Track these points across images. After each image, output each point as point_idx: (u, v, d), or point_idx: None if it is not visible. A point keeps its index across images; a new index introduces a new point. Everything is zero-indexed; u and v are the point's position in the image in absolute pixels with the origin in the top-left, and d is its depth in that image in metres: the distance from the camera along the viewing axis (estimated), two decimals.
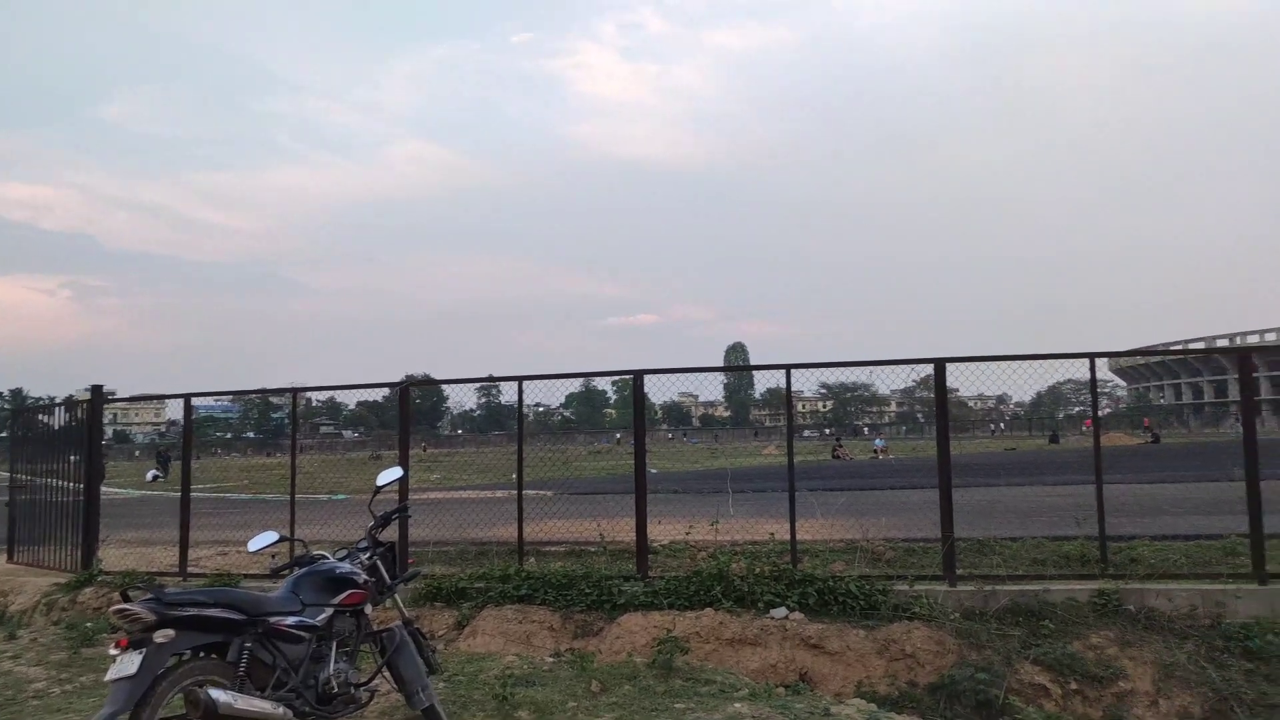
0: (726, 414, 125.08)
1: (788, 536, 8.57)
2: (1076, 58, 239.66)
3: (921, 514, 11.61)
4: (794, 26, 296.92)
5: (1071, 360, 8.70)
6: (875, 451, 41.53)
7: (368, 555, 4.64)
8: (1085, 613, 7.33)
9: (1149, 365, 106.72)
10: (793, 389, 8.68)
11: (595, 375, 9.15)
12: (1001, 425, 74.56)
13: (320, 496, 19.67)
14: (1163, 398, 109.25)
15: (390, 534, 10.38)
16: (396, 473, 5.08)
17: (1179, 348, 78.09)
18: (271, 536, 4.59)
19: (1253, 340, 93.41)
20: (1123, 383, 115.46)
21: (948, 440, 8.32)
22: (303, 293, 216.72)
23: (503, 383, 10.12)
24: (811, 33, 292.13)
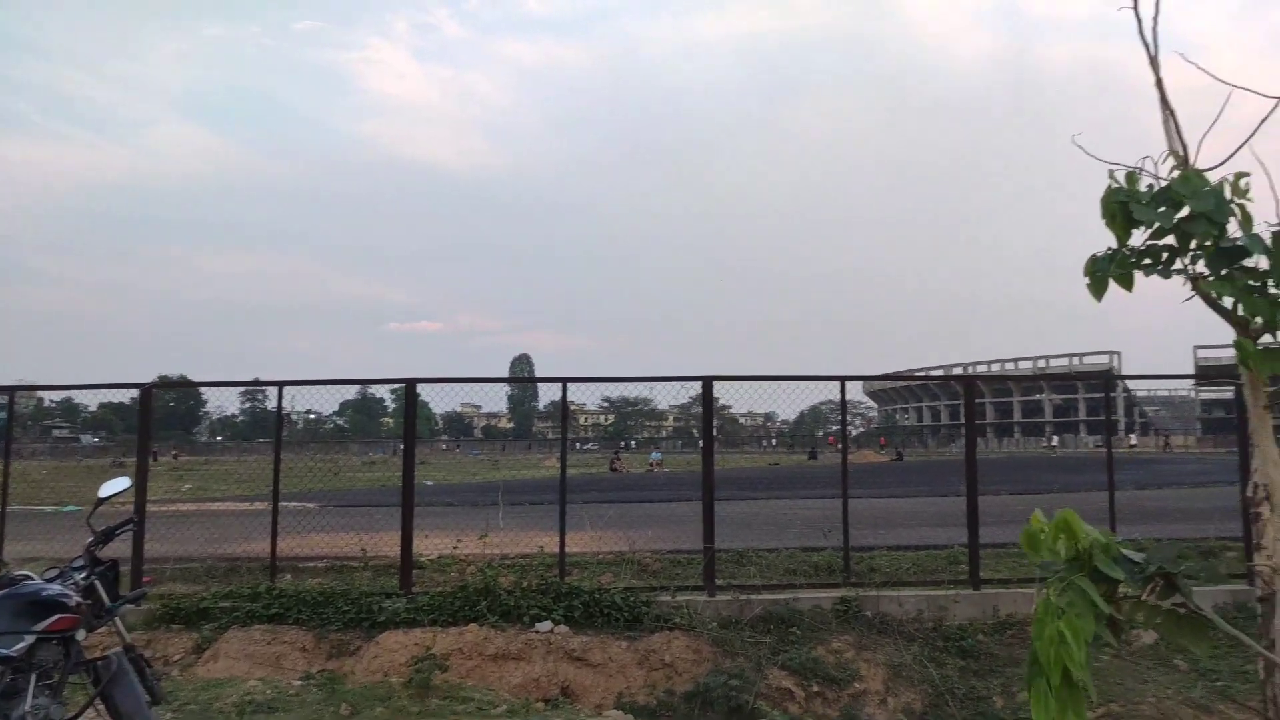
0: (510, 425, 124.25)
1: (558, 549, 8.58)
2: (838, 102, 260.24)
3: (689, 526, 12.03)
4: (587, 46, 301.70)
5: (827, 382, 9.36)
6: (651, 465, 42.73)
7: (84, 575, 4.13)
8: (829, 619, 7.87)
9: (897, 389, 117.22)
10: (576, 402, 8.76)
11: (365, 382, 8.87)
12: (772, 441, 78.96)
13: (46, 508, 17.55)
14: (907, 419, 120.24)
15: (123, 550, 9.46)
16: (123, 483, 4.58)
17: (919, 373, 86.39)
18: None
19: (981, 369, 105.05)
20: (874, 404, 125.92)
21: (713, 455, 8.68)
22: (43, 281, 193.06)
23: (267, 387, 9.42)
24: (603, 54, 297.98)
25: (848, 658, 7.26)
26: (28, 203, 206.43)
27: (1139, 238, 3.35)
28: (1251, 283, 3.09)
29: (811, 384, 9.32)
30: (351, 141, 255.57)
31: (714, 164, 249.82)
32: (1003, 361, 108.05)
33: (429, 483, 30.28)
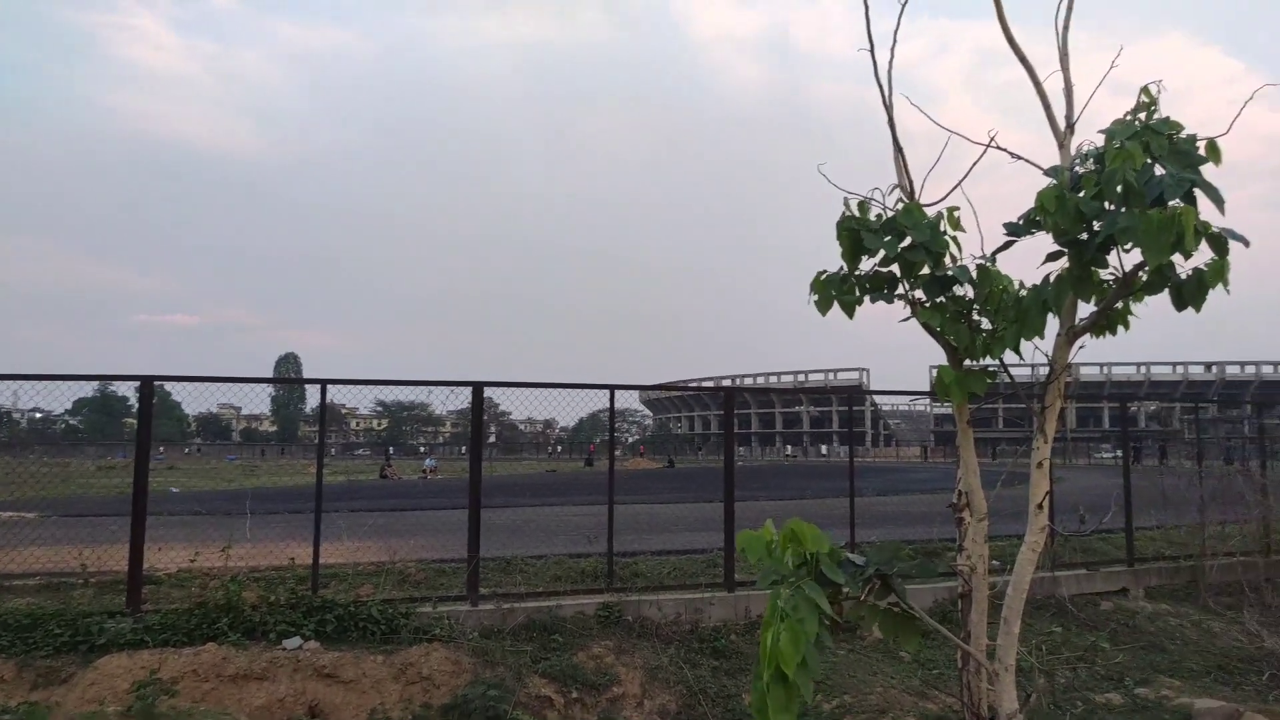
0: (273, 429, 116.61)
1: (311, 560, 8.13)
2: (619, 119, 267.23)
3: (458, 534, 11.75)
4: (369, 36, 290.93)
5: (598, 390, 9.49)
6: (425, 471, 41.61)
7: None
8: (591, 625, 7.97)
9: (671, 399, 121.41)
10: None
11: (90, 379, 7.85)
12: (558, 448, 79.28)
13: None
14: (680, 428, 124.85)
15: None
16: None
17: (688, 383, 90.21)
18: None
19: (747, 382, 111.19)
20: (650, 413, 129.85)
21: (480, 461, 8.56)
22: None
23: None
24: (386, 46, 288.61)
25: (607, 663, 7.37)
26: None
27: (870, 264, 3.67)
28: (959, 311, 3.46)
29: (591, 391, 9.39)
30: (95, 111, 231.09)
31: (496, 166, 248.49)
32: (767, 375, 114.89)
33: (175, 490, 27.80)
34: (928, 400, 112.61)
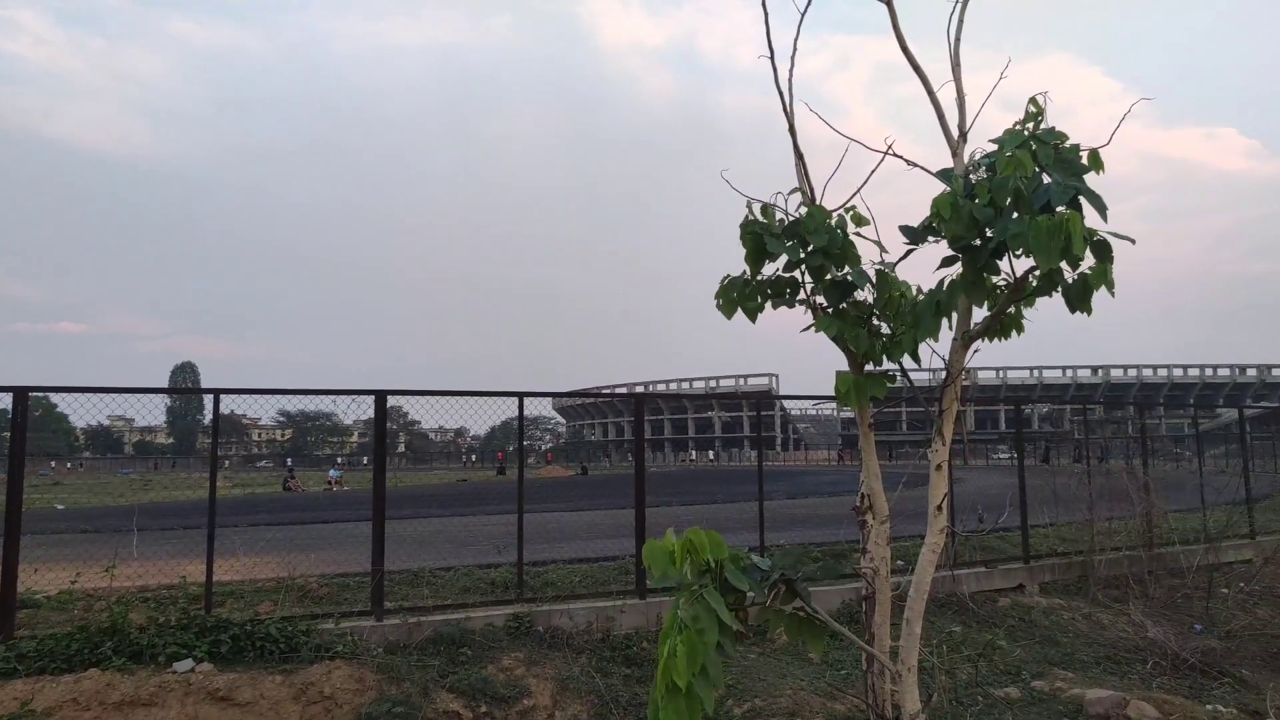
0: (169, 441, 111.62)
1: (205, 578, 7.77)
2: (529, 120, 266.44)
3: (364, 547, 11.43)
4: (270, 35, 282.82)
5: (507, 397, 9.36)
6: (330, 483, 40.45)
7: None
8: (501, 636, 7.83)
9: (585, 406, 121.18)
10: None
11: None
12: (474, 457, 78.02)
13: None
14: (594, 435, 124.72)
15: None
16: None
17: (600, 390, 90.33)
18: None
19: (660, 388, 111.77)
20: (564, 420, 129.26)
21: (384, 472, 8.33)
22: None
23: None
24: (288, 46, 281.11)
25: (518, 674, 7.24)
26: None
27: (773, 269, 3.70)
28: (860, 316, 3.51)
29: (503, 400, 9.24)
30: None
31: (405, 168, 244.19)
32: (679, 381, 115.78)
33: (60, 507, 26.33)
34: (834, 405, 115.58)
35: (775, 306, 3.54)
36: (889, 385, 3.44)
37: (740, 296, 3.53)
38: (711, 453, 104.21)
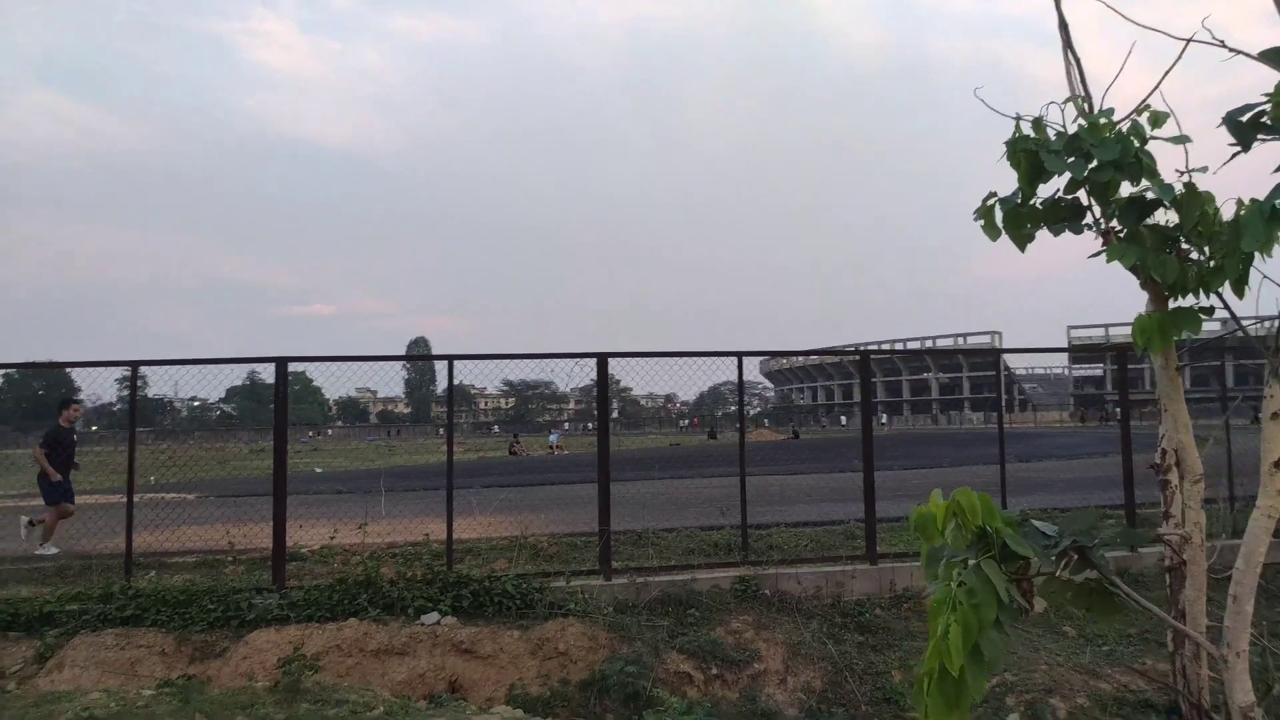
0: (407, 410, 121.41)
1: (446, 536, 8.16)
2: (723, 91, 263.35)
3: (588, 508, 11.71)
4: (480, 23, 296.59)
5: (728, 362, 9.17)
6: (551, 447, 42.27)
7: None
8: (728, 599, 7.69)
9: (792, 369, 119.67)
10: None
11: (231, 362, 8.08)
12: (685, 422, 79.25)
13: None
14: (802, 399, 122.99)
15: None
16: None
17: (814, 349, 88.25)
18: None
19: (870, 350, 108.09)
20: (771, 385, 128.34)
21: (608, 434, 8.38)
22: None
23: (120, 370, 8.60)
24: (496, 31, 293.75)
25: (747, 638, 7.08)
26: None
27: (1049, 189, 3.18)
28: (1162, 240, 2.94)
29: (711, 364, 9.07)
30: (232, 114, 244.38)
31: (607, 144, 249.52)
32: (892, 341, 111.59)
33: (319, 470, 29.12)
34: (1066, 363, 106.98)
35: (1056, 233, 3.04)
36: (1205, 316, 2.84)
37: (1009, 222, 3.05)
38: (926, 415, 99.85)
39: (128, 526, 7.90)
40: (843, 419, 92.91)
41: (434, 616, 7.02)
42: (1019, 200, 3.01)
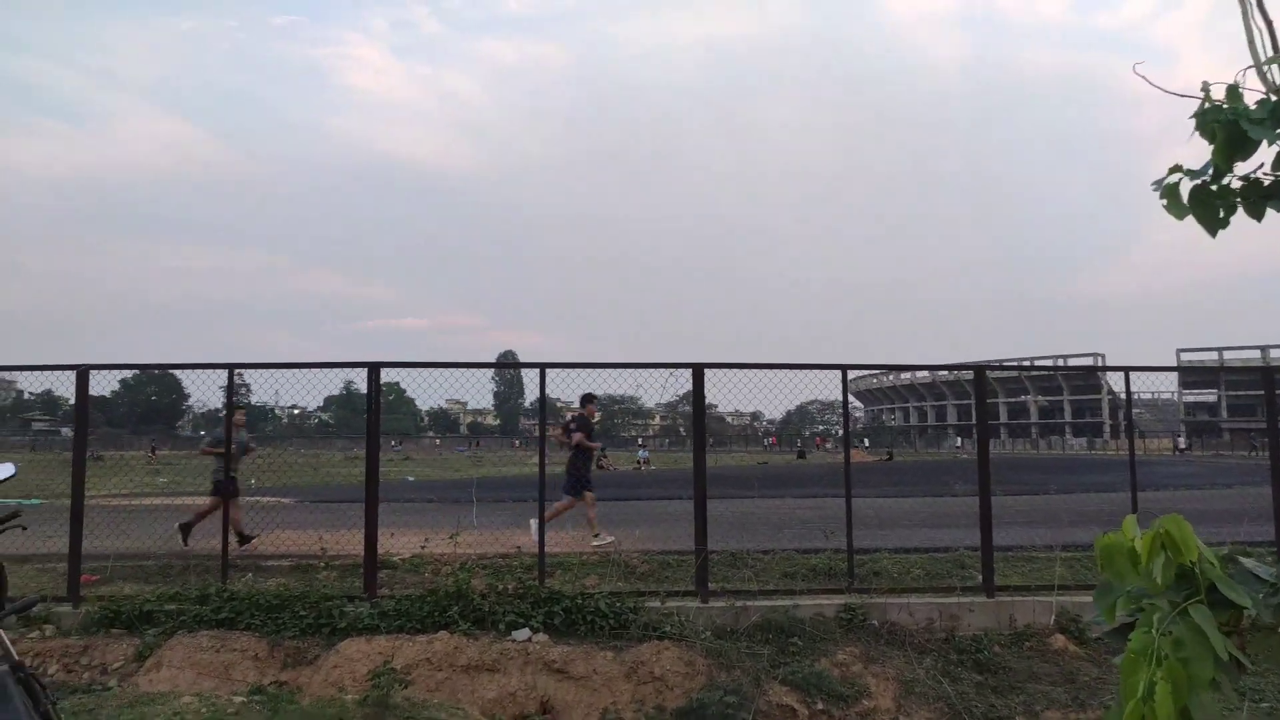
0: (496, 422, 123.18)
1: (537, 550, 7.93)
2: (799, 107, 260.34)
3: (678, 526, 11.40)
4: (563, 45, 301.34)
5: (817, 381, 8.75)
6: (639, 462, 42.08)
7: None
8: (832, 628, 7.23)
9: (882, 389, 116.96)
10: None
11: (324, 366, 8.03)
12: (768, 441, 78.25)
13: (8, 500, 16.73)
14: (893, 419, 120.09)
15: (51, 545, 8.74)
16: (6, 470, 3.84)
17: (922, 364, 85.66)
18: None
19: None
20: (860, 404, 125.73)
21: (704, 448, 8.04)
22: (6, 274, 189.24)
23: (212, 373, 8.69)
24: (579, 53, 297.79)
25: (855, 671, 6.62)
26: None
27: (1244, 169, 2.74)
28: None
29: (799, 383, 8.63)
30: (328, 138, 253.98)
31: (689, 163, 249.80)
32: (989, 364, 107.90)
33: (410, 479, 29.56)
34: (1175, 387, 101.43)
35: (1258, 215, 2.60)
36: None
37: (1197, 202, 2.61)
38: (1024, 440, 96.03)
39: (223, 528, 7.92)
40: (957, 438, 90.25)
41: (525, 633, 6.78)
42: (1209, 175, 2.58)
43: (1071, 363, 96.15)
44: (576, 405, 11.82)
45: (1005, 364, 76.28)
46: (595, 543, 10.61)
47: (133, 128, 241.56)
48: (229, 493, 10.12)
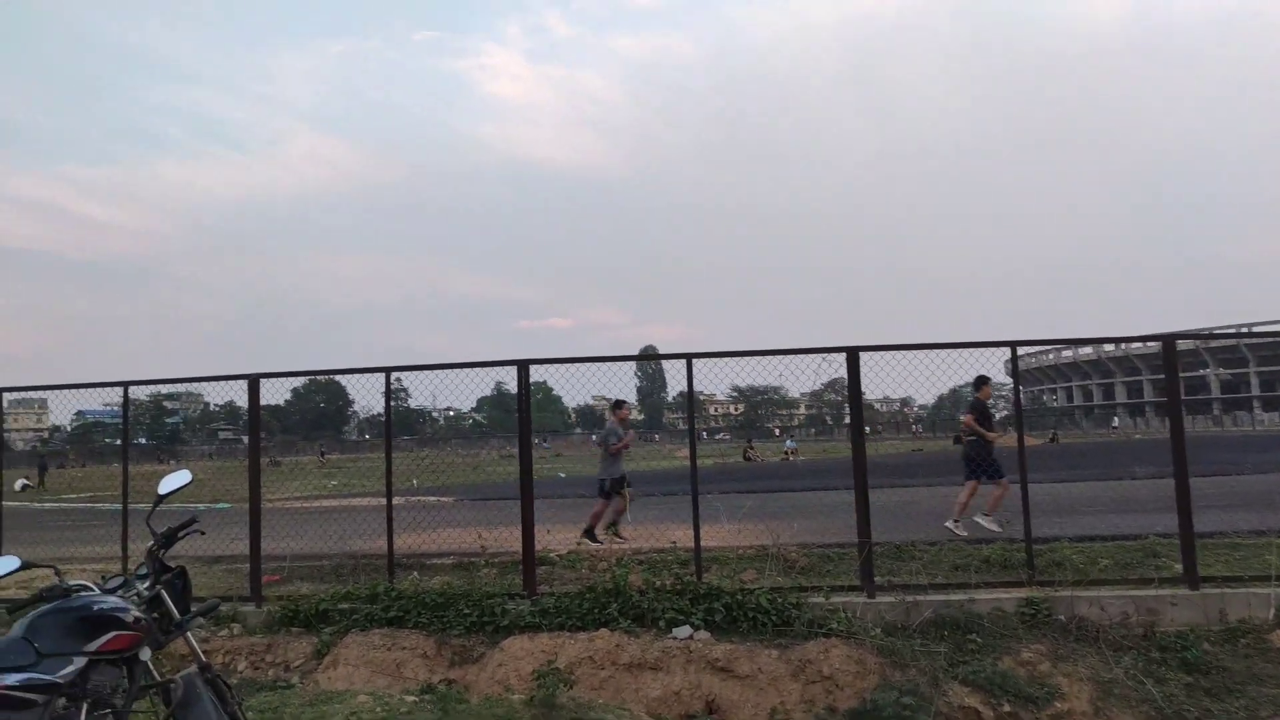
0: (640, 417, 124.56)
1: (691, 543, 7.76)
2: (945, 82, 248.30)
3: (834, 517, 11.00)
4: (690, 35, 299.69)
5: (970, 363, 8.21)
6: (786, 453, 41.45)
7: (147, 584, 3.57)
8: (1014, 624, 6.73)
9: (1042, 369, 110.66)
10: (705, 392, 7.91)
11: (475, 365, 8.13)
12: (919, 427, 75.61)
13: (198, 505, 18.06)
14: (1055, 400, 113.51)
15: (237, 547, 9.26)
16: (183, 477, 3.98)
17: (1097, 338, 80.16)
18: (10, 563, 3.47)
19: (1136, 344, 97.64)
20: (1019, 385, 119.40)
21: (863, 435, 7.66)
22: (192, 290, 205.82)
23: (372, 378, 8.97)
24: (706, 42, 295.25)
25: (1042, 671, 6.11)
26: (172, 219, 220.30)
27: None
28: None
29: (951, 365, 7.95)
30: (470, 145, 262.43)
31: (822, 148, 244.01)
32: (1179, 333, 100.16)
33: (562, 475, 30.12)
34: None
35: None
36: None
37: None
38: (1210, 417, 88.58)
39: (388, 529, 8.15)
40: (1114, 419, 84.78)
41: (686, 630, 6.63)
42: None
43: (1258, 330, 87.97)
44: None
45: (1199, 332, 70.19)
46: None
47: (295, 147, 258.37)
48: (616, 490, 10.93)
